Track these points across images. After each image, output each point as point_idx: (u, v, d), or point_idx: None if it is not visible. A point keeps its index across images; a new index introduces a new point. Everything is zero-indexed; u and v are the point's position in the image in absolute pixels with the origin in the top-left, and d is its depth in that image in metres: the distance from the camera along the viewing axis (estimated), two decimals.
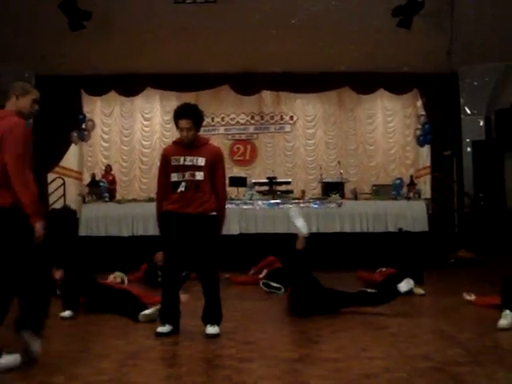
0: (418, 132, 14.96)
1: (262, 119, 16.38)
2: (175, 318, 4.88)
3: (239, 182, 12.30)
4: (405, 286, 6.03)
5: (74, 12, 10.25)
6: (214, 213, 4.90)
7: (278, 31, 11.85)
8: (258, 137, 16.47)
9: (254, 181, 12.43)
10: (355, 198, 11.95)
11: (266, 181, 12.42)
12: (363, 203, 11.63)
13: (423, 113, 14.83)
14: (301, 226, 6.19)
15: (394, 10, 10.52)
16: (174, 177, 4.85)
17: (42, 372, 3.64)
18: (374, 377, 3.48)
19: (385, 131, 16.53)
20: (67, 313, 5.78)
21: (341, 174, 13.10)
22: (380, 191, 12.47)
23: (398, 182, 12.49)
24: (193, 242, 4.82)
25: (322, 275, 8.08)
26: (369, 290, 6.75)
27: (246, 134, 16.40)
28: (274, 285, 7.61)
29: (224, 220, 5.01)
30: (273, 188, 12.21)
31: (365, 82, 14.76)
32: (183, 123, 4.81)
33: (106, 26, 11.15)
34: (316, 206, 11.22)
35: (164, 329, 4.78)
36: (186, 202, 4.80)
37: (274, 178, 12.68)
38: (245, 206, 11.08)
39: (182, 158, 4.87)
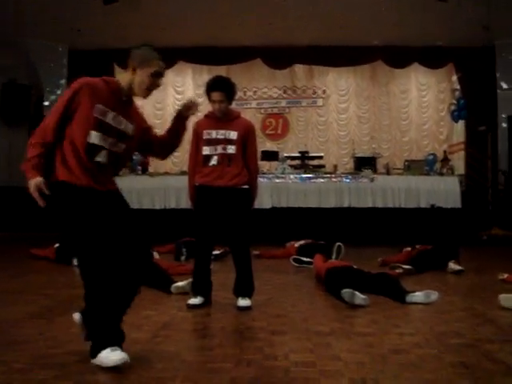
0: (453, 107, 14.71)
1: (295, 93, 16.31)
2: (207, 291, 4.93)
3: (271, 155, 12.30)
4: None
5: None
6: (246, 186, 4.91)
7: (311, 4, 11.74)
8: (290, 111, 16.40)
9: (286, 155, 12.41)
10: (388, 173, 11.88)
11: (298, 155, 12.40)
12: (395, 178, 11.56)
13: (458, 87, 14.59)
14: None
15: None
16: (206, 150, 4.86)
17: (76, 340, 3.70)
18: (405, 352, 3.47)
19: (418, 106, 16.34)
20: None
21: (373, 148, 13.03)
22: (413, 166, 12.38)
23: (431, 157, 12.38)
24: (225, 215, 4.85)
25: (354, 250, 8.16)
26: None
27: (278, 108, 16.34)
28: (305, 259, 7.63)
29: (256, 193, 5.03)
30: (305, 162, 12.19)
31: (399, 56, 14.57)
32: (216, 96, 4.81)
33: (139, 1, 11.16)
34: (348, 180, 11.19)
35: (196, 301, 4.83)
36: (218, 175, 4.82)
37: (306, 152, 12.66)
38: (277, 180, 11.10)
39: (214, 132, 4.88)
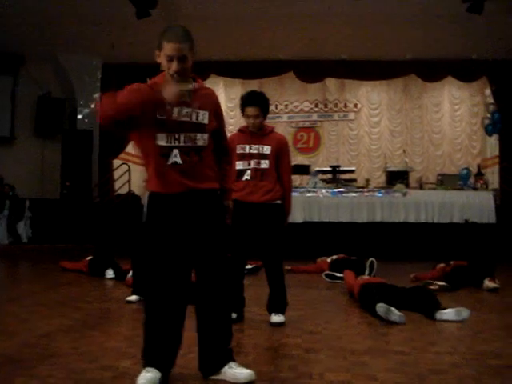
0: (486, 121, 14.54)
1: (326, 107, 16.26)
2: (240, 307, 4.89)
3: (302, 169, 12.27)
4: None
5: (140, 0, 10.38)
6: (279, 201, 4.88)
7: (343, 18, 11.71)
8: (321, 124, 16.36)
9: (317, 169, 12.36)
10: (420, 187, 11.78)
11: (330, 169, 12.34)
12: (428, 193, 11.46)
13: (492, 101, 14.41)
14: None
15: None
16: (239, 165, 4.84)
17: (109, 355, 3.70)
18: (443, 373, 3.39)
19: (451, 119, 16.18)
20: (133, 297, 5.90)
21: (406, 162, 12.91)
22: (446, 181, 12.26)
23: (464, 171, 12.24)
24: (258, 231, 4.81)
25: (386, 266, 8.06)
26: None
27: (309, 122, 16.31)
28: (338, 275, 7.56)
29: (290, 209, 4.98)
30: (336, 176, 12.13)
31: (431, 70, 14.44)
32: (251, 111, 4.79)
33: (171, 13, 11.23)
34: (380, 195, 11.11)
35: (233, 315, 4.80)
36: (251, 190, 4.79)
37: (338, 166, 12.61)
38: (308, 194, 11.05)
39: (247, 147, 4.86)
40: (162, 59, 3.12)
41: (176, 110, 3.11)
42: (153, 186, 3.17)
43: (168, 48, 3.07)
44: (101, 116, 3.00)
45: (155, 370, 3.10)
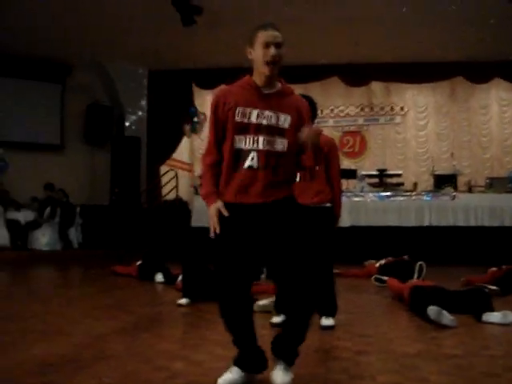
0: None
1: (372, 110, 16.17)
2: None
3: (349, 174, 12.21)
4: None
5: (186, 8, 10.54)
6: (329, 204, 4.88)
7: (387, 21, 11.66)
8: (367, 128, 16.26)
9: (363, 173, 12.30)
10: (469, 190, 11.62)
11: (377, 173, 12.28)
12: (478, 196, 11.29)
13: None
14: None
15: None
16: None
17: (161, 357, 3.77)
18: (497, 376, 3.37)
19: (500, 122, 15.89)
20: (184, 300, 5.98)
21: (454, 166, 12.77)
22: (495, 184, 12.05)
23: None
24: (307, 233, 4.81)
25: (435, 270, 7.97)
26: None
27: (355, 126, 16.21)
28: (387, 279, 7.51)
29: (340, 212, 4.98)
30: (383, 180, 12.05)
31: (479, 72, 14.27)
32: None
33: (216, 20, 11.35)
34: (428, 198, 10.99)
35: (279, 319, 4.82)
36: (300, 191, 4.79)
37: (385, 170, 12.53)
38: (355, 199, 11.01)
39: None
40: (256, 51, 3.17)
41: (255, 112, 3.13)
42: None
43: (265, 35, 3.14)
44: None
45: (239, 370, 3.18)
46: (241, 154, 3.10)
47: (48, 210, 12.86)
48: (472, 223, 10.76)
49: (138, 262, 8.65)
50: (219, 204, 3.11)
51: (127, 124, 15.07)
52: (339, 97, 16.17)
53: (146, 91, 15.26)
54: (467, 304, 5.24)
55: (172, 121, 14.81)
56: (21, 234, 12.74)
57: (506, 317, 4.87)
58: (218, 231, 3.09)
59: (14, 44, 12.87)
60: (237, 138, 3.10)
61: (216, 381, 3.08)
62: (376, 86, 15.95)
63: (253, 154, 3.08)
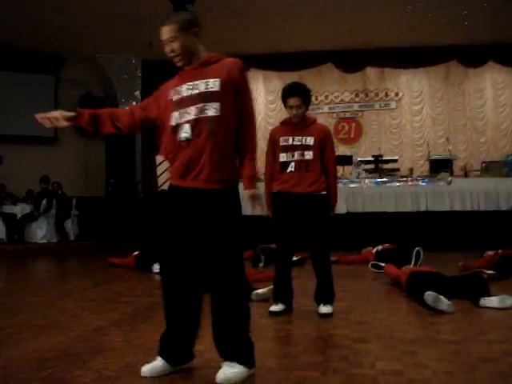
0: None
1: (367, 96, 16.18)
2: (288, 297, 4.93)
3: (345, 160, 12.23)
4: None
5: None
6: (325, 192, 4.87)
7: (381, 6, 11.62)
8: (362, 114, 16.27)
9: (359, 159, 12.30)
10: (465, 175, 11.63)
11: (372, 159, 12.28)
12: (473, 180, 11.34)
13: None
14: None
15: None
16: (283, 157, 4.84)
17: None
18: (495, 360, 3.36)
19: (495, 105, 15.91)
20: None
21: (449, 150, 12.77)
22: (491, 168, 12.09)
23: (510, 158, 12.09)
24: (304, 222, 4.82)
25: (432, 255, 8.00)
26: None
27: (350, 112, 16.24)
28: (384, 265, 7.51)
29: (336, 199, 4.96)
30: (379, 166, 12.06)
31: (474, 55, 14.26)
32: (293, 101, 4.79)
33: (210, 9, 11.27)
34: (424, 184, 11.02)
35: (277, 308, 4.83)
36: (295, 182, 4.79)
37: (380, 155, 12.53)
38: (351, 185, 11.03)
39: (290, 138, 4.85)
40: None
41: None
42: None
43: (160, 33, 3.14)
44: None
45: (163, 361, 3.18)
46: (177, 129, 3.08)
47: (44, 202, 12.85)
48: (468, 208, 10.81)
49: (135, 253, 8.65)
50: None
51: None
52: (334, 83, 16.19)
53: (139, 81, 15.21)
54: (464, 289, 5.25)
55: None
56: (17, 228, 12.73)
57: (504, 301, 4.88)
58: None
59: (6, 37, 12.81)
60: (176, 113, 3.09)
61: (217, 371, 3.07)
62: (370, 72, 15.97)
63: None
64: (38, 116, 3.25)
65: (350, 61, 14.75)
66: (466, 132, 15.92)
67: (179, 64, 3.14)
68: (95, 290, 6.70)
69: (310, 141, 4.83)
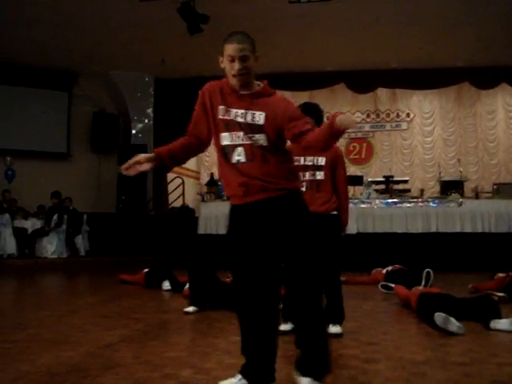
0: None
1: (378, 117, 16.19)
2: None
3: (355, 180, 12.21)
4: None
5: (192, 16, 10.52)
6: (335, 212, 4.88)
7: (393, 27, 11.68)
8: (373, 135, 16.28)
9: (370, 179, 12.30)
10: (476, 196, 11.59)
11: (383, 179, 12.27)
12: (484, 202, 11.28)
13: None
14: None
15: None
16: None
17: (170, 364, 3.76)
18: (505, 383, 3.35)
19: (506, 127, 15.89)
20: (191, 308, 5.97)
21: (460, 172, 12.74)
22: (502, 190, 12.03)
23: None
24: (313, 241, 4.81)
25: (443, 277, 7.96)
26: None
27: (361, 133, 16.24)
28: (394, 286, 7.49)
29: (347, 219, 4.97)
30: (390, 187, 12.05)
31: (485, 77, 14.27)
32: None
33: (223, 28, 11.35)
34: (435, 205, 10.98)
35: (286, 327, 4.81)
36: (307, 202, 4.79)
37: (391, 176, 12.52)
38: (362, 205, 11.01)
39: (302, 158, 4.86)
40: (224, 63, 3.17)
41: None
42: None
43: (230, 48, 3.12)
44: None
45: (243, 379, 3.13)
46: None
47: (55, 217, 12.90)
48: (479, 229, 10.76)
49: (145, 270, 8.66)
50: None
51: (134, 132, 15.12)
52: (345, 103, 16.19)
53: (152, 99, 15.31)
54: (475, 311, 5.22)
55: (178, 129, 14.78)
56: (28, 242, 12.79)
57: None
58: None
59: (20, 53, 12.95)
60: (226, 134, 3.14)
61: None
62: (382, 93, 16.00)
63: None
64: (124, 168, 3.32)
65: (362, 81, 14.79)
66: (477, 153, 15.90)
67: (239, 83, 3.13)
68: (105, 306, 6.71)
69: (322, 161, 4.85)
